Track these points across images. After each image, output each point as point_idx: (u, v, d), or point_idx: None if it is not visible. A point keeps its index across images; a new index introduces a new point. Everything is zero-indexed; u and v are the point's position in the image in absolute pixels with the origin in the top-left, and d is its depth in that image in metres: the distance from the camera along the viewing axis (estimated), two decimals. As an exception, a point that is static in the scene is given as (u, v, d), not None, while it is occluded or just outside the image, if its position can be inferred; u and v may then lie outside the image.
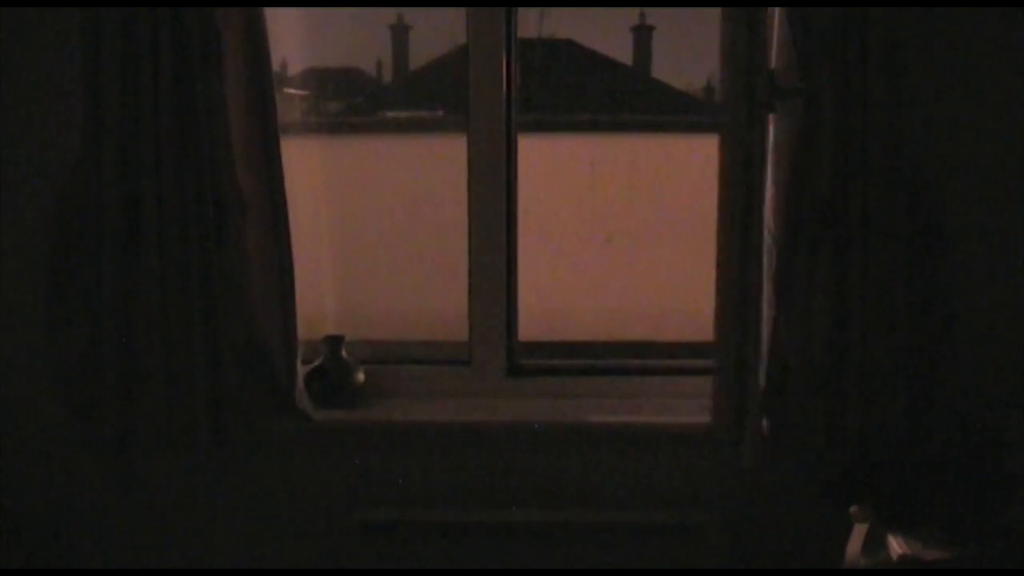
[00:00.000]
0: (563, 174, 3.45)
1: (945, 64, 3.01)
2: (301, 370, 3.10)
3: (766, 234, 2.98)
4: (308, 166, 3.27)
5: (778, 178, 2.95)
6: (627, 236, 3.42)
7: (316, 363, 3.21)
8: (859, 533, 2.81)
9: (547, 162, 3.34)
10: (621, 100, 3.53)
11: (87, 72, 2.90)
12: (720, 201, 2.74)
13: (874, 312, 2.93)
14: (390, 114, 3.53)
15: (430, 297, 3.37)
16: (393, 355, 3.36)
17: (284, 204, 3.00)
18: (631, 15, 3.58)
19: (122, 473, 3.17)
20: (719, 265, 2.78)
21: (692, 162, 3.41)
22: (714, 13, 3.25)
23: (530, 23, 3.38)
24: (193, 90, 2.89)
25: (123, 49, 2.88)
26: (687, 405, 3.18)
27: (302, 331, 3.07)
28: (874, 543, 2.80)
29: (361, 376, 3.22)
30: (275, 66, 3.03)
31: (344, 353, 3.22)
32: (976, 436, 3.06)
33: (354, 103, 3.49)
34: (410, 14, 3.49)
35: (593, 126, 3.47)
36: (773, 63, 2.94)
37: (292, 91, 3.36)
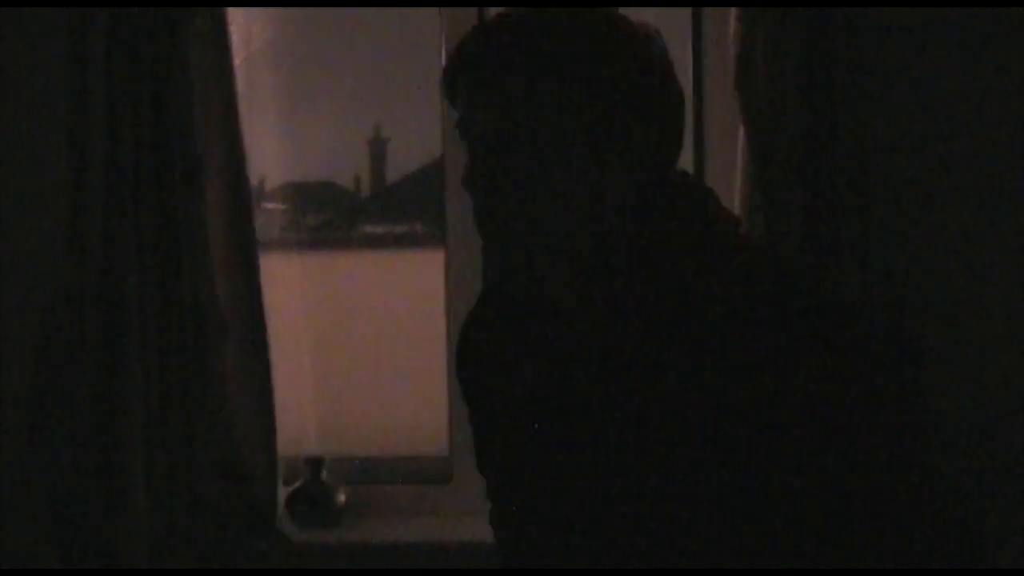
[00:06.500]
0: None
1: (912, 172, 3.03)
2: (282, 491, 3.07)
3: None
4: (286, 282, 3.26)
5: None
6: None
7: (297, 485, 3.17)
8: None
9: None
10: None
11: (70, 190, 2.88)
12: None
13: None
14: (368, 228, 3.53)
15: (410, 411, 3.35)
16: (375, 472, 3.33)
17: (263, 322, 2.98)
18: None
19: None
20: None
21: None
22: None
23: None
24: (174, 211, 2.88)
25: (105, 171, 2.87)
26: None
27: (283, 448, 3.04)
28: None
29: (342, 497, 3.18)
30: (253, 181, 3.03)
31: (325, 474, 3.19)
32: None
33: (332, 218, 3.49)
34: (388, 127, 3.50)
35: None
36: (738, 185, 2.95)
37: (270, 206, 3.35)
